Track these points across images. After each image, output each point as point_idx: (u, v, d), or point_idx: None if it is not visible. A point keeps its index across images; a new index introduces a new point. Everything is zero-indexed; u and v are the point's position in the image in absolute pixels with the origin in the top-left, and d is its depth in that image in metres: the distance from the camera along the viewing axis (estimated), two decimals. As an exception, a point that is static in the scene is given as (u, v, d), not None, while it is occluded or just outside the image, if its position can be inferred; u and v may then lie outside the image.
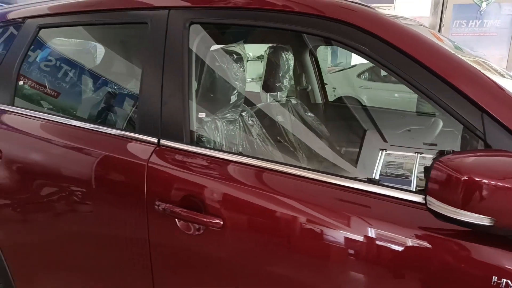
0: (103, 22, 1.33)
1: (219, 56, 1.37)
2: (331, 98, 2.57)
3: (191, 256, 1.04)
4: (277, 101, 2.07)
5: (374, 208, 0.84)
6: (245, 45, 1.54)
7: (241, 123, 1.59)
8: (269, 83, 1.97)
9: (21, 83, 1.49)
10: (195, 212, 1.00)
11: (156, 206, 1.05)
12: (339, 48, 1.20)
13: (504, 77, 1.09)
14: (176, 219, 1.03)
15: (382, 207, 0.83)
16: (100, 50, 1.77)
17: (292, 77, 2.19)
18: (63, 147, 1.26)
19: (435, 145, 1.94)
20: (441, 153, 0.76)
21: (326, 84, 2.51)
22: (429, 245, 0.76)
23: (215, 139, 1.32)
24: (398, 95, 7.57)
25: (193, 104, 1.17)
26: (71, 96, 1.64)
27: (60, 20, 1.43)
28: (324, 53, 7.50)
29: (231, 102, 1.46)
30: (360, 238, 0.82)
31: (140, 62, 1.30)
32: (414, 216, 0.79)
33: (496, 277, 0.70)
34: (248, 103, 1.73)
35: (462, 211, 0.66)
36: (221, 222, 0.97)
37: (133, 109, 1.40)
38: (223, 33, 1.56)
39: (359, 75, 8.07)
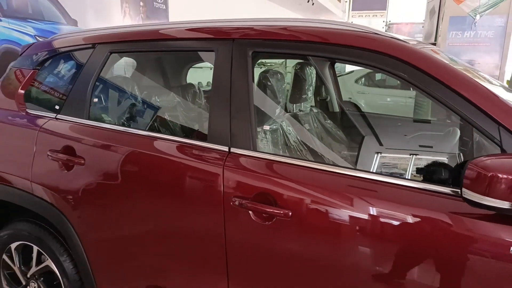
0: (173, 49, 1.58)
1: (270, 77, 1.63)
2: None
3: (262, 244, 1.28)
4: (302, 110, 2.33)
5: (421, 199, 1.09)
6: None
7: (281, 131, 1.85)
8: (296, 95, 2.23)
9: (95, 100, 1.73)
10: (267, 205, 1.25)
11: (232, 202, 1.30)
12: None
13: (492, 83, 1.34)
14: (250, 212, 1.28)
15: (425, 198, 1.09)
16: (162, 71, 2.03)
17: (314, 88, 2.45)
18: (143, 154, 1.50)
19: (431, 147, 2.24)
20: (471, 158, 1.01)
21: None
22: (464, 226, 1.02)
23: (270, 146, 1.57)
24: (391, 99, 7.99)
25: (256, 118, 1.41)
26: (143, 111, 1.88)
27: (131, 47, 1.67)
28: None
29: (276, 114, 1.72)
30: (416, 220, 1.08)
31: (208, 83, 1.54)
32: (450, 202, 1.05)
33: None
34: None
35: (489, 198, 0.92)
36: (290, 213, 1.21)
37: (202, 123, 1.64)
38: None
39: (356, 81, 8.40)
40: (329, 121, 2.55)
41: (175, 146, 1.48)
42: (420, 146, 2.31)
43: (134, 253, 1.56)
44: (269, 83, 1.63)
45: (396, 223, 1.10)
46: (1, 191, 1.82)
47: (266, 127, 1.57)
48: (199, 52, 1.59)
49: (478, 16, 4.45)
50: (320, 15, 13.16)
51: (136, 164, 1.50)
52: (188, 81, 2.44)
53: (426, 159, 1.58)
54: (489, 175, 0.92)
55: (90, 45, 1.78)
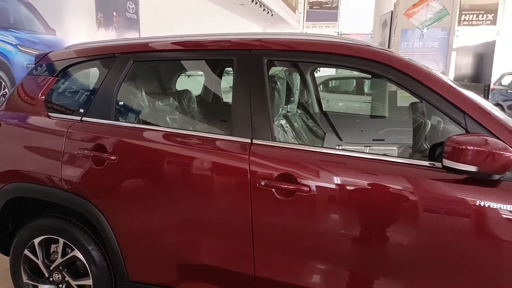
0: (194, 58, 1.84)
1: (278, 81, 1.93)
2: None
3: (284, 216, 1.57)
4: (289, 112, 2.66)
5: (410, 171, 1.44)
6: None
7: (282, 126, 2.16)
8: (285, 98, 2.55)
9: (120, 103, 1.94)
10: (289, 183, 1.54)
11: (258, 183, 1.58)
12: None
13: (454, 83, 1.74)
14: (273, 190, 1.56)
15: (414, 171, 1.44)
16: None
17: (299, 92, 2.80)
18: (173, 147, 1.73)
19: (383, 140, 2.69)
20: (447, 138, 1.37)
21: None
22: (441, 186, 1.38)
23: (281, 137, 1.87)
24: (343, 104, 8.62)
25: (272, 114, 1.71)
26: (167, 112, 2.10)
27: (154, 56, 1.90)
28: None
29: (280, 112, 2.03)
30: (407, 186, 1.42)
31: (229, 86, 1.81)
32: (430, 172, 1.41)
33: (478, 201, 1.33)
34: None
35: (462, 164, 1.28)
36: (308, 188, 1.52)
37: (226, 119, 1.91)
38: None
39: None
40: (310, 121, 2.90)
41: (202, 140, 1.73)
42: (373, 139, 2.76)
43: (165, 237, 1.77)
44: (276, 86, 1.93)
45: (392, 189, 1.44)
46: (32, 189, 1.95)
47: (282, 121, 1.87)
48: (220, 60, 1.87)
49: (425, 29, 5.06)
50: (277, 25, 13.76)
51: (168, 157, 1.74)
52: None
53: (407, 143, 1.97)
54: (461, 147, 1.28)
55: (112, 55, 1.98)
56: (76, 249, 1.94)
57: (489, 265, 1.36)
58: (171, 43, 1.88)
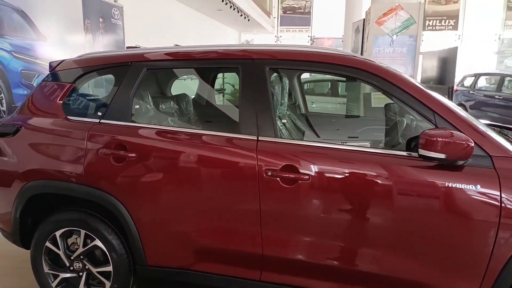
0: (203, 67, 2.09)
1: (276, 86, 2.22)
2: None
3: (288, 201, 1.85)
4: (280, 113, 2.96)
5: (392, 160, 1.76)
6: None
7: (284, 125, 2.45)
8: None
9: (136, 106, 2.16)
10: (292, 173, 1.82)
11: (265, 174, 1.85)
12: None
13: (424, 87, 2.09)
14: (278, 179, 1.84)
15: (397, 160, 1.76)
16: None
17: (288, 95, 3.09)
18: (188, 144, 1.98)
19: (357, 137, 3.06)
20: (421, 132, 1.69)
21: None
22: (418, 172, 1.70)
23: (283, 133, 2.16)
24: (318, 105, 9.04)
25: (275, 114, 1.99)
26: (181, 113, 2.33)
27: (166, 65, 2.14)
28: None
29: (279, 112, 2.31)
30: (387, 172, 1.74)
31: (234, 90, 2.08)
32: (409, 161, 1.73)
33: (447, 183, 1.66)
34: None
35: (433, 153, 1.61)
36: (308, 177, 1.81)
37: (234, 118, 2.17)
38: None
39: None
40: (298, 121, 3.21)
41: (213, 137, 1.99)
42: (348, 137, 3.12)
43: (181, 224, 2.01)
44: (275, 90, 2.22)
45: (377, 174, 1.75)
46: (56, 186, 2.15)
47: (284, 120, 2.16)
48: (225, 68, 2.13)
49: (394, 36, 5.50)
50: (253, 29, 14.10)
51: (182, 153, 1.98)
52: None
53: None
54: (433, 139, 1.61)
55: (126, 63, 2.21)
56: (97, 239, 2.14)
57: (456, 232, 1.69)
58: (181, 53, 2.13)
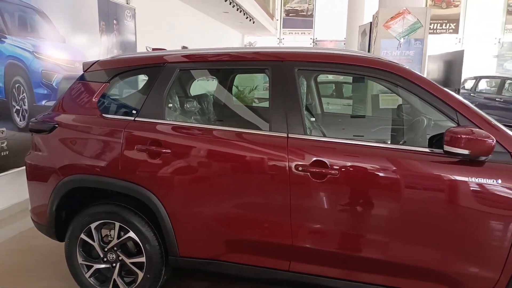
0: (234, 68, 2.21)
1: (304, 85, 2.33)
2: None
3: (318, 195, 1.96)
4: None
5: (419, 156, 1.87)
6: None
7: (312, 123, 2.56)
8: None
9: (170, 104, 2.27)
10: (322, 168, 1.94)
11: (295, 169, 1.96)
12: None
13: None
14: (309, 174, 1.95)
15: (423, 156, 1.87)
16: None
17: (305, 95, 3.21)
18: (221, 141, 2.09)
19: (363, 136, 3.17)
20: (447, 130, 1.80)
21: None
22: (443, 167, 1.82)
23: (311, 131, 2.26)
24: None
25: (304, 112, 2.10)
26: (213, 112, 2.44)
27: (198, 65, 2.26)
28: (260, 74, 8.80)
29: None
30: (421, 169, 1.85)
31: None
32: (433, 157, 1.85)
33: (470, 177, 1.78)
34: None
35: (458, 149, 1.73)
36: (337, 172, 1.92)
37: (264, 117, 2.28)
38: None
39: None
40: (313, 119, 3.33)
41: (245, 135, 2.10)
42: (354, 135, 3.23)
43: (214, 217, 2.12)
44: (303, 91, 2.34)
45: (402, 169, 1.86)
46: (94, 180, 2.25)
47: (312, 119, 2.27)
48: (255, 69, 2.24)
49: (402, 39, 5.63)
50: (256, 32, 14.25)
51: (215, 149, 2.09)
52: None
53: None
54: (457, 136, 1.72)
55: (159, 64, 2.32)
56: (131, 231, 2.25)
57: (479, 224, 1.80)
58: (213, 54, 2.24)
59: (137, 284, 2.28)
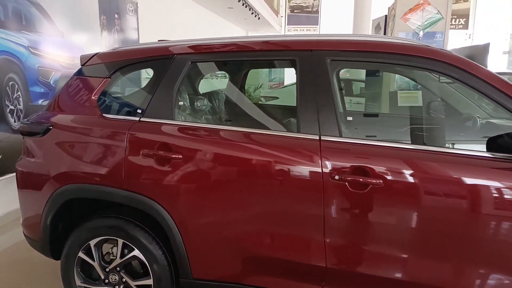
0: (254, 59, 1.90)
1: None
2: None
3: (357, 208, 1.65)
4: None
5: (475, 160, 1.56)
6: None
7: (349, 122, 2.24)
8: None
9: (180, 103, 1.97)
10: (363, 177, 1.63)
11: (330, 177, 1.66)
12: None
13: None
14: (347, 183, 1.65)
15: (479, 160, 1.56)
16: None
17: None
18: (241, 146, 1.79)
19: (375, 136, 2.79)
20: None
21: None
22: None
23: (348, 133, 1.94)
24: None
25: (338, 110, 1.79)
26: (230, 110, 2.13)
27: (213, 57, 1.95)
28: (264, 71, 8.47)
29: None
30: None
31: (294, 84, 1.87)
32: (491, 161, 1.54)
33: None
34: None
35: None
36: (382, 181, 1.61)
37: (290, 116, 1.97)
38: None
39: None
40: (350, 118, 2.99)
41: (269, 137, 1.79)
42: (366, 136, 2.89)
43: (233, 233, 1.81)
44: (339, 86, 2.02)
45: (461, 179, 1.55)
46: (93, 190, 1.95)
47: (349, 118, 1.96)
48: (280, 60, 1.93)
49: (421, 32, 5.30)
50: (261, 28, 13.92)
51: (235, 154, 1.79)
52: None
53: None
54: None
55: (167, 56, 2.01)
56: (136, 249, 1.95)
57: None
58: (232, 43, 1.93)
59: (143, 310, 1.98)
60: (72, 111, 2.09)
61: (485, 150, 1.61)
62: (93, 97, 2.06)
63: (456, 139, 2.25)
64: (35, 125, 2.12)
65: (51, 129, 2.06)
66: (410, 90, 4.52)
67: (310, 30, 16.06)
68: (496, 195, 1.53)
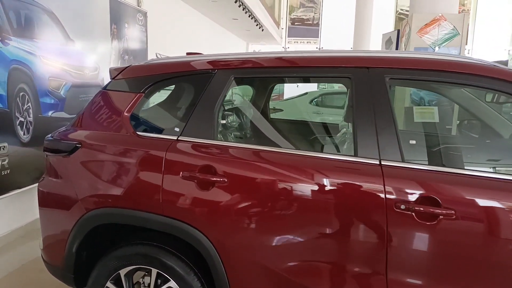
0: (305, 75, 1.76)
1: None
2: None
3: (425, 241, 1.51)
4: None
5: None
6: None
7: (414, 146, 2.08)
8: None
9: (223, 121, 1.82)
10: (432, 207, 1.49)
11: (396, 207, 1.51)
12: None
13: None
14: (414, 214, 1.50)
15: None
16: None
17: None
18: (295, 170, 1.64)
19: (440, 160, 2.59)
20: None
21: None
22: None
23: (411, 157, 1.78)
24: (334, 118, 8.81)
25: (399, 132, 1.65)
26: (280, 130, 1.99)
27: (259, 72, 1.81)
28: None
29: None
30: None
31: (347, 104, 1.74)
32: None
33: None
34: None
35: None
36: (454, 213, 1.47)
37: (346, 139, 1.83)
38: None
39: (310, 102, 9.04)
40: (413, 142, 2.81)
41: (323, 162, 1.65)
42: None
43: (284, 265, 1.65)
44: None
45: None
46: (127, 215, 1.78)
47: (412, 142, 1.83)
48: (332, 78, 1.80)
49: (437, 48, 5.23)
50: (261, 39, 13.88)
51: (286, 180, 1.64)
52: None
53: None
54: None
55: (207, 70, 1.87)
56: (172, 280, 1.78)
57: None
58: (278, 59, 1.80)
59: None
60: (101, 128, 1.93)
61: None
62: (125, 114, 1.91)
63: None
64: (61, 143, 1.95)
65: (79, 147, 1.90)
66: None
67: (310, 42, 16.10)
68: None
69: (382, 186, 1.54)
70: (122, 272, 1.84)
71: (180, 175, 1.72)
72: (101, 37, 4.48)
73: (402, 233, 1.53)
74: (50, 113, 3.65)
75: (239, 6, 7.13)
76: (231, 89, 1.93)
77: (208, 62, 1.89)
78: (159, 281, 1.81)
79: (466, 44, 16.39)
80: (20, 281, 2.76)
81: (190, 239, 1.71)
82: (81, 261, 1.94)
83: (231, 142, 1.79)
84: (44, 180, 2.00)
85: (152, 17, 5.84)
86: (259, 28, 10.23)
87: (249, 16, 8.35)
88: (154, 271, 1.80)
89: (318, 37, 16.09)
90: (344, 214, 1.59)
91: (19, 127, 3.30)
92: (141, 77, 1.97)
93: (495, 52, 15.49)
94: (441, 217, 1.48)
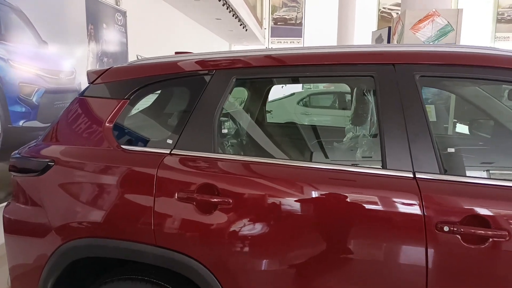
0: (319, 75, 1.51)
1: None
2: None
3: (473, 266, 1.27)
4: (365, 135, 2.38)
5: None
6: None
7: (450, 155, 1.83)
8: (360, 117, 2.28)
9: (224, 131, 1.54)
10: (482, 228, 1.25)
11: (437, 229, 1.27)
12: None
13: None
14: (459, 236, 1.26)
15: None
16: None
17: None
18: (312, 188, 1.38)
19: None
20: None
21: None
22: None
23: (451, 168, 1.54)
24: (330, 118, 8.67)
25: (436, 140, 1.41)
26: (289, 140, 1.71)
27: (265, 72, 1.54)
28: None
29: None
30: None
31: (368, 107, 1.49)
32: None
33: None
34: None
35: None
36: (507, 234, 1.24)
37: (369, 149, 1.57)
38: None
39: (298, 102, 8.83)
40: (451, 150, 2.58)
41: (345, 176, 1.40)
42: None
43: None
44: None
45: None
46: (114, 247, 1.48)
47: (451, 150, 1.59)
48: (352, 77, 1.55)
49: (431, 44, 5.06)
50: (244, 40, 13.61)
51: (304, 199, 1.38)
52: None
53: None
54: None
55: (204, 72, 1.59)
56: (170, 322, 1.49)
57: None
58: (286, 57, 1.53)
59: None
60: (79, 142, 1.62)
61: None
62: (107, 124, 1.61)
63: None
64: (30, 161, 1.64)
65: (52, 165, 1.59)
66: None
67: (294, 42, 15.90)
68: None
69: (419, 204, 1.29)
70: (109, 314, 1.54)
71: (175, 197, 1.44)
72: (77, 38, 4.13)
73: (446, 258, 1.28)
74: (21, 123, 3.29)
75: (223, 5, 6.85)
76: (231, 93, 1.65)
77: (205, 62, 1.61)
78: (153, 322, 1.52)
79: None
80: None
81: (191, 274, 1.43)
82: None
83: (234, 154, 1.52)
84: (10, 205, 1.68)
85: (132, 17, 5.51)
86: (243, 28, 9.97)
87: (233, 16, 8.08)
88: (149, 312, 1.51)
89: (301, 37, 15.92)
90: (378, 235, 1.33)
91: (-15, 140, 2.94)
92: (124, 80, 1.67)
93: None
94: (492, 239, 1.25)
